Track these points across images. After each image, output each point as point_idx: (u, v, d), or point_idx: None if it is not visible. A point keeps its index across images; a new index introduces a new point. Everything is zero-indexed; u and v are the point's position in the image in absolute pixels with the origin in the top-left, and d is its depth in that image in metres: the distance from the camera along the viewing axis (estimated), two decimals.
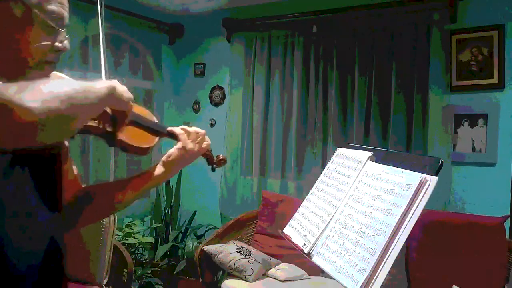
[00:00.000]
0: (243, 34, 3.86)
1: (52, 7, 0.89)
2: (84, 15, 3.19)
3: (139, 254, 3.62)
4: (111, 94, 0.87)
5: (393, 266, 0.90)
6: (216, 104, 4.10)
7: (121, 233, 3.28)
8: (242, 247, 3.10)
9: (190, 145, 1.13)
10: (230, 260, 2.95)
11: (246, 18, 3.81)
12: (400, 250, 0.91)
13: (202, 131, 1.17)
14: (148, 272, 3.39)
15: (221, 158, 1.30)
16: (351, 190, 1.12)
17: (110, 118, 0.96)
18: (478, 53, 2.94)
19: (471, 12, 2.97)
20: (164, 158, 1.14)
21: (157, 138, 1.15)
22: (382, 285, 0.90)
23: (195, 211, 3.98)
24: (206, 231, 3.88)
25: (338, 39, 3.41)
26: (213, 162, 1.30)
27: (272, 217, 3.32)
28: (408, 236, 0.91)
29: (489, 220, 2.60)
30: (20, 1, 0.85)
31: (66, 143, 1.11)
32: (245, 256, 3.00)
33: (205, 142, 1.17)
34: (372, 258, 0.93)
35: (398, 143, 3.12)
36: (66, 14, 0.93)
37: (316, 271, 2.89)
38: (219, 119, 4.04)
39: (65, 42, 0.93)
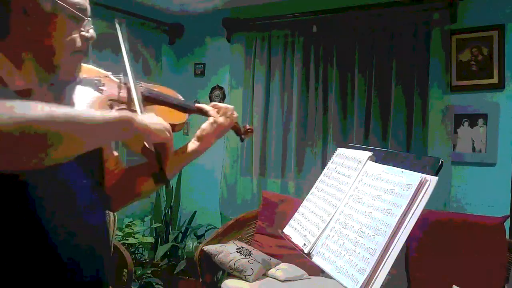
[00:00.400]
0: (243, 34, 3.86)
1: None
2: None
3: (139, 254, 3.63)
4: (125, 122, 0.86)
5: (393, 266, 0.90)
6: None
7: (121, 233, 3.28)
8: (242, 247, 3.10)
9: (220, 119, 1.25)
10: (230, 260, 2.95)
11: (246, 18, 3.81)
12: (400, 250, 0.91)
13: (231, 106, 1.29)
14: (148, 272, 3.40)
15: (248, 128, 1.40)
16: (351, 190, 1.12)
17: (155, 156, 0.97)
18: (478, 53, 2.94)
19: (471, 12, 2.97)
20: (198, 132, 1.25)
21: (186, 115, 1.24)
22: (382, 285, 0.90)
23: (195, 211, 3.98)
24: (206, 231, 3.88)
25: (338, 39, 3.41)
26: (241, 132, 1.39)
27: (272, 217, 3.32)
28: (408, 236, 0.91)
29: (489, 220, 2.60)
30: None
31: None
32: (245, 256, 3.00)
33: (234, 116, 1.29)
34: (372, 258, 0.93)
35: (398, 143, 3.13)
36: (88, 6, 1.00)
37: (316, 271, 2.89)
38: None
39: (91, 30, 1.00)
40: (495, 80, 2.89)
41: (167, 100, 1.21)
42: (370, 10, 3.26)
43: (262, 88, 3.75)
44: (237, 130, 1.38)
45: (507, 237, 2.61)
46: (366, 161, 1.14)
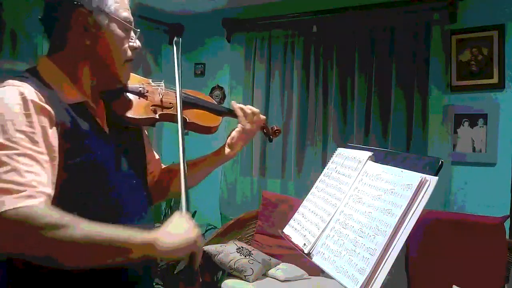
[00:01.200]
0: (243, 34, 3.86)
1: (126, 13, 1.09)
2: None
3: None
4: (148, 247, 0.91)
5: (393, 266, 0.90)
6: None
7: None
8: (242, 247, 3.10)
9: (248, 126, 1.36)
10: (230, 260, 2.96)
11: (246, 18, 3.81)
12: (400, 250, 0.91)
13: (257, 110, 1.40)
14: None
15: (275, 129, 1.49)
16: (351, 190, 1.12)
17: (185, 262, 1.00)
18: (478, 53, 2.94)
19: (471, 12, 2.97)
20: (228, 140, 1.37)
21: (221, 118, 1.36)
22: (382, 285, 0.90)
23: (195, 211, 3.97)
24: (206, 231, 3.88)
25: (338, 39, 3.41)
26: (269, 133, 1.49)
27: (272, 217, 3.32)
28: (408, 236, 0.91)
29: (489, 220, 2.60)
30: (104, 12, 1.04)
31: (145, 132, 1.31)
32: (245, 256, 3.00)
33: (261, 120, 1.40)
34: (372, 258, 0.93)
35: (398, 143, 3.13)
36: (132, 18, 1.13)
37: (316, 271, 2.89)
38: None
39: (137, 41, 1.14)
40: (495, 80, 2.89)
41: (204, 104, 1.33)
42: (370, 10, 3.26)
43: (262, 88, 3.76)
44: (265, 131, 1.47)
45: (507, 237, 2.61)
46: (366, 161, 1.14)
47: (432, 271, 2.60)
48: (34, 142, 0.89)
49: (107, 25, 1.04)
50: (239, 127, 1.37)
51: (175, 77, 1.26)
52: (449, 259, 2.59)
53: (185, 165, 1.10)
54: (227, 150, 1.37)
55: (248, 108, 1.38)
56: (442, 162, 0.96)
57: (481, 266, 2.50)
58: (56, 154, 0.93)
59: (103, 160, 1.04)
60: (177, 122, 1.16)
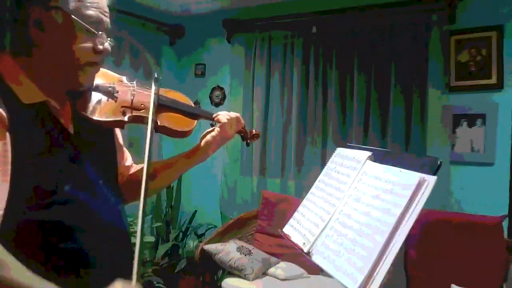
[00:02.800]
0: (243, 34, 3.87)
1: (90, 12, 0.99)
2: None
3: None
4: None
5: (392, 265, 0.91)
6: (217, 105, 4.11)
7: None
8: (242, 246, 3.11)
9: (229, 132, 1.30)
10: (230, 259, 2.97)
11: (246, 19, 3.82)
12: (399, 249, 0.92)
13: (235, 115, 1.32)
14: (149, 271, 3.41)
15: (254, 133, 1.42)
16: (350, 190, 1.13)
17: None
18: (476, 53, 2.95)
19: (470, 13, 2.98)
20: (202, 143, 1.28)
21: (195, 121, 1.27)
22: (381, 284, 0.90)
23: (196, 211, 3.99)
24: (207, 230, 3.89)
25: (337, 40, 3.42)
26: (247, 137, 1.42)
27: (272, 216, 3.34)
28: (407, 236, 0.92)
29: (488, 219, 2.61)
30: (60, 9, 0.95)
31: (120, 135, 1.27)
32: (245, 255, 3.01)
33: (239, 125, 1.33)
34: (371, 257, 0.93)
35: (396, 142, 3.14)
36: (105, 18, 1.04)
37: (315, 270, 2.90)
38: None
39: (106, 44, 1.04)
40: (493, 80, 2.90)
41: (179, 107, 1.25)
42: (369, 11, 3.27)
43: (262, 88, 3.76)
44: (243, 135, 1.41)
45: (505, 236, 2.63)
46: (365, 161, 1.15)
47: (431, 271, 2.61)
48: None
49: (63, 23, 0.97)
50: (215, 132, 1.29)
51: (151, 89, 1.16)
52: (448, 258, 2.60)
53: (147, 182, 1.02)
54: (199, 153, 1.29)
55: (231, 114, 1.32)
56: (440, 162, 0.96)
57: (479, 265, 2.51)
58: (8, 166, 0.88)
59: (62, 161, 0.99)
60: (146, 124, 1.08)
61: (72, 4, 0.97)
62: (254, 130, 1.43)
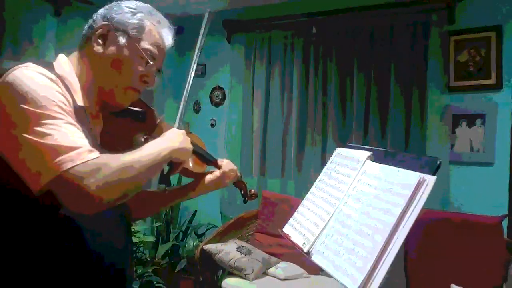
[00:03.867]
0: (243, 35, 3.87)
1: (149, 46, 1.09)
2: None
3: (140, 253, 3.64)
4: (171, 154, 1.04)
5: (391, 265, 0.91)
6: (217, 105, 4.11)
7: None
8: (242, 246, 3.11)
9: (226, 181, 1.37)
10: (230, 259, 2.97)
11: (246, 19, 3.82)
12: (399, 249, 0.92)
13: (234, 168, 1.39)
14: (149, 270, 3.40)
15: (252, 193, 1.53)
16: (350, 190, 1.13)
17: (171, 164, 1.12)
18: (476, 54, 2.96)
19: (469, 13, 2.99)
20: (201, 184, 1.34)
21: (206, 166, 1.36)
22: (380, 284, 0.91)
23: (196, 210, 3.99)
24: (207, 230, 3.89)
25: (337, 40, 3.42)
26: (246, 195, 1.53)
27: (272, 216, 3.34)
28: (406, 236, 0.92)
29: (487, 219, 2.61)
30: (127, 34, 1.06)
31: None
32: (245, 255, 3.01)
33: (236, 176, 1.40)
34: (371, 257, 0.93)
35: (396, 142, 3.14)
36: (159, 56, 1.12)
37: (315, 269, 2.90)
38: (219, 119, 4.06)
39: (153, 78, 1.13)
40: (492, 80, 2.90)
41: (198, 151, 1.32)
42: (369, 11, 3.27)
43: (262, 88, 3.77)
44: (243, 192, 1.51)
45: (505, 236, 2.63)
46: (365, 160, 1.15)
47: (430, 271, 2.62)
48: (71, 117, 0.92)
49: (124, 44, 1.06)
50: (213, 176, 1.34)
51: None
52: (448, 258, 2.60)
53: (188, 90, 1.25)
54: (193, 192, 1.34)
55: (232, 165, 1.39)
56: (440, 161, 0.97)
57: (479, 265, 2.51)
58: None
59: None
60: None
61: (135, 32, 1.07)
62: (253, 190, 1.53)
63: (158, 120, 1.26)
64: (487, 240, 2.55)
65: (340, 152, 1.28)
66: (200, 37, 1.32)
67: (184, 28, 4.22)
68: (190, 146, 1.13)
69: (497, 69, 2.88)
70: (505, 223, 2.66)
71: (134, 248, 3.45)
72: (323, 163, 3.36)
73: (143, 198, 1.28)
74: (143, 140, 1.18)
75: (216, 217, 3.97)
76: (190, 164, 1.29)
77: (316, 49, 3.53)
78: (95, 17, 1.09)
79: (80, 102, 1.02)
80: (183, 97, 1.27)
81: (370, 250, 0.95)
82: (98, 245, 1.02)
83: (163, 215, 3.86)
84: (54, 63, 1.03)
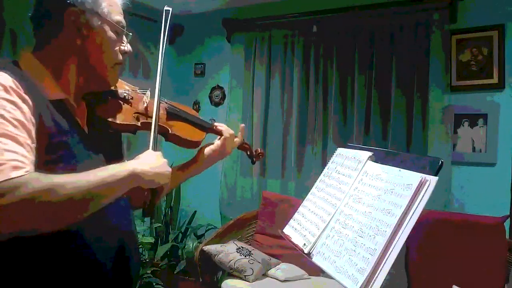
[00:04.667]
0: (243, 34, 3.86)
1: (118, 17, 1.09)
2: None
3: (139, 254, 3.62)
4: (134, 177, 0.98)
5: (392, 266, 0.90)
6: (216, 104, 4.10)
7: None
8: (242, 247, 3.10)
9: (227, 148, 1.35)
10: (230, 260, 2.96)
11: (246, 18, 3.81)
12: (400, 250, 0.91)
13: (231, 132, 1.36)
14: (148, 272, 3.39)
15: (259, 152, 1.50)
16: (351, 190, 1.12)
17: (151, 193, 1.08)
18: (478, 53, 2.94)
19: (471, 12, 2.97)
20: (200, 156, 1.34)
21: (205, 133, 1.33)
22: (382, 285, 0.90)
23: (195, 211, 3.98)
24: (206, 231, 3.88)
25: (338, 39, 3.41)
26: (252, 155, 1.49)
27: (272, 217, 3.33)
28: (408, 236, 0.91)
29: (489, 220, 2.60)
30: (96, 13, 1.04)
31: None
32: (245, 256, 3.00)
33: (235, 144, 1.39)
34: (372, 258, 0.93)
35: (398, 143, 3.13)
36: (125, 23, 1.12)
37: (316, 271, 2.89)
38: (219, 119, 4.04)
39: (128, 45, 1.14)
40: (495, 80, 2.89)
41: (190, 118, 1.31)
42: (370, 10, 3.26)
43: (262, 88, 3.76)
44: (249, 153, 1.48)
45: (507, 237, 2.61)
46: (366, 161, 1.14)
47: (432, 271, 2.60)
48: (14, 126, 0.87)
49: (99, 26, 1.05)
50: (214, 146, 1.34)
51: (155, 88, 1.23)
52: (449, 259, 2.58)
53: (158, 113, 1.14)
54: (195, 166, 1.34)
55: (230, 130, 1.37)
56: (442, 162, 0.96)
57: (481, 266, 2.50)
58: (34, 143, 0.91)
59: (80, 159, 1.01)
60: (159, 133, 1.16)
61: (105, 10, 1.05)
62: (259, 149, 1.51)
63: (145, 100, 1.23)
64: (489, 240, 2.54)
65: (341, 153, 1.27)
66: (162, 36, 1.32)
67: (185, 27, 4.23)
68: (166, 169, 1.05)
69: (499, 69, 2.87)
70: (507, 224, 2.64)
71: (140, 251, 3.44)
72: (323, 163, 3.35)
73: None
74: (140, 123, 1.18)
75: (215, 218, 3.96)
76: (188, 133, 1.27)
77: (316, 48, 3.51)
78: (45, 4, 1.04)
79: (53, 96, 1.00)
80: (154, 108, 1.17)
81: (371, 251, 0.94)
82: (106, 229, 1.04)
83: (162, 216, 3.85)
84: (20, 62, 1.02)
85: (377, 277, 0.91)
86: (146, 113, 1.21)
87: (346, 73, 3.38)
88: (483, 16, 2.93)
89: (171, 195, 3.92)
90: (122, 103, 1.18)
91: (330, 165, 1.28)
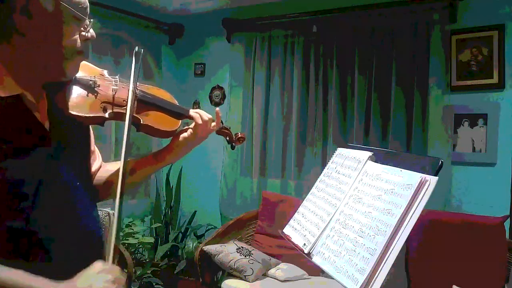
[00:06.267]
0: (243, 34, 3.86)
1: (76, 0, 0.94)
2: None
3: (139, 254, 3.62)
4: None
5: (393, 266, 0.90)
6: (216, 104, 4.10)
7: (121, 233, 3.27)
8: (242, 247, 3.10)
9: (202, 133, 1.23)
10: (230, 260, 2.96)
11: (246, 18, 3.81)
12: (400, 250, 0.91)
13: (211, 117, 1.26)
14: (148, 272, 3.39)
15: (239, 136, 1.39)
16: (351, 190, 1.12)
17: None
18: (478, 53, 2.94)
19: (471, 12, 2.97)
20: (173, 145, 1.23)
21: (179, 121, 1.23)
22: (382, 285, 0.90)
23: (195, 211, 3.98)
24: (206, 231, 3.88)
25: (338, 39, 3.41)
26: (232, 140, 1.38)
27: (272, 217, 3.32)
28: (408, 236, 0.91)
29: (489, 220, 2.60)
30: None
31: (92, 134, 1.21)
32: (245, 256, 3.00)
33: (214, 127, 1.27)
34: (372, 258, 0.93)
35: (398, 143, 3.12)
36: (88, 4, 0.98)
37: (316, 271, 2.89)
38: None
39: (91, 30, 0.99)
40: (495, 80, 2.89)
41: (162, 105, 1.20)
42: (370, 10, 3.26)
43: (262, 88, 3.75)
44: (228, 138, 1.38)
45: (507, 237, 2.61)
46: (366, 161, 1.14)
47: (432, 271, 2.60)
48: None
49: (53, 11, 0.91)
50: (188, 133, 1.23)
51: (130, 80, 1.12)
52: (449, 259, 2.58)
53: (124, 178, 1.00)
54: (169, 155, 1.24)
55: (205, 115, 1.25)
56: (442, 162, 0.96)
57: (481, 266, 2.50)
58: None
59: (38, 159, 0.94)
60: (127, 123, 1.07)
61: None
62: (239, 133, 1.40)
63: (114, 87, 1.12)
64: (489, 241, 2.54)
65: (341, 152, 1.27)
66: (132, 75, 1.13)
67: (185, 27, 4.23)
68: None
69: (499, 69, 2.87)
70: (507, 224, 2.64)
71: (133, 249, 3.44)
72: (323, 163, 3.35)
73: (112, 175, 1.20)
74: (107, 115, 1.08)
75: (215, 218, 3.96)
76: (161, 123, 1.18)
77: (316, 48, 3.51)
78: None
79: (7, 92, 0.91)
80: (126, 119, 1.06)
81: (372, 251, 0.94)
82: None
83: (162, 216, 3.85)
84: None
85: (377, 277, 0.91)
86: (114, 102, 1.09)
87: (346, 73, 3.38)
88: (483, 16, 2.93)
89: (171, 195, 3.92)
90: (87, 92, 1.06)
91: (330, 165, 1.28)
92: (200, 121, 1.22)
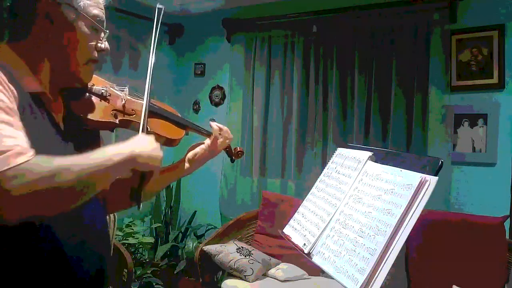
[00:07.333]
0: (243, 34, 3.86)
1: (96, 11, 1.05)
2: None
3: (139, 254, 3.62)
4: (132, 159, 0.96)
5: (393, 266, 0.90)
6: (216, 104, 4.10)
7: (121, 233, 3.27)
8: (242, 247, 3.10)
9: (219, 147, 1.33)
10: (230, 260, 2.96)
11: (246, 18, 3.81)
12: (400, 250, 0.91)
13: (225, 128, 1.35)
14: (148, 272, 3.39)
15: (238, 150, 1.49)
16: (351, 190, 1.12)
17: (140, 176, 1.05)
18: (478, 53, 2.94)
19: (471, 12, 2.97)
20: (190, 155, 1.33)
21: (184, 131, 1.32)
22: (382, 285, 0.90)
23: (195, 211, 3.98)
24: (206, 231, 3.88)
25: (338, 39, 3.41)
26: (232, 154, 1.47)
27: (272, 217, 3.32)
28: (408, 236, 0.91)
29: (489, 220, 2.60)
30: (71, 7, 1.00)
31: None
32: (245, 256, 3.00)
33: (227, 141, 1.36)
34: (372, 258, 0.93)
35: (398, 143, 3.12)
36: (104, 17, 1.09)
37: (316, 271, 2.89)
38: (219, 119, 4.03)
39: (106, 42, 1.10)
40: (495, 80, 2.89)
41: (169, 116, 1.30)
42: (370, 10, 3.26)
43: (262, 88, 3.75)
44: (228, 151, 1.46)
45: (507, 237, 2.61)
46: (366, 161, 1.14)
47: (432, 271, 2.60)
48: (7, 113, 0.86)
49: (73, 20, 1.01)
50: (205, 145, 1.33)
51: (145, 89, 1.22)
52: (449, 259, 2.58)
53: (148, 99, 1.15)
54: (186, 165, 1.32)
55: (224, 128, 1.35)
56: (442, 162, 0.96)
57: (481, 266, 2.49)
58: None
59: (55, 152, 0.96)
60: (136, 130, 1.13)
61: (81, 3, 1.02)
62: (238, 148, 1.49)
63: (123, 97, 1.21)
64: (489, 241, 2.54)
65: (341, 153, 1.27)
66: (153, 33, 1.31)
67: (185, 27, 4.23)
68: (158, 154, 1.03)
69: (499, 69, 2.86)
70: (507, 224, 2.64)
71: (133, 249, 3.44)
72: (323, 163, 3.35)
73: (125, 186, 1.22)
74: (117, 121, 1.16)
75: (215, 218, 3.96)
76: (166, 131, 1.26)
77: (316, 48, 3.51)
78: None
79: (31, 89, 0.98)
80: (145, 99, 1.18)
81: (372, 251, 0.94)
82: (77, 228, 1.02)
83: (162, 216, 3.85)
84: None
85: (377, 277, 0.91)
86: (124, 111, 1.19)
87: (346, 73, 3.38)
88: (483, 16, 2.93)
89: (171, 195, 3.92)
90: (99, 100, 1.16)
91: (330, 165, 1.28)
92: (217, 134, 1.32)
